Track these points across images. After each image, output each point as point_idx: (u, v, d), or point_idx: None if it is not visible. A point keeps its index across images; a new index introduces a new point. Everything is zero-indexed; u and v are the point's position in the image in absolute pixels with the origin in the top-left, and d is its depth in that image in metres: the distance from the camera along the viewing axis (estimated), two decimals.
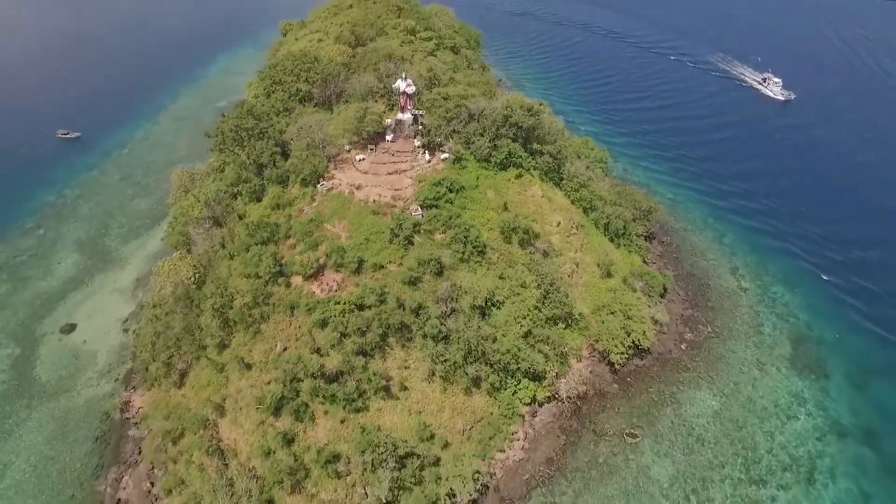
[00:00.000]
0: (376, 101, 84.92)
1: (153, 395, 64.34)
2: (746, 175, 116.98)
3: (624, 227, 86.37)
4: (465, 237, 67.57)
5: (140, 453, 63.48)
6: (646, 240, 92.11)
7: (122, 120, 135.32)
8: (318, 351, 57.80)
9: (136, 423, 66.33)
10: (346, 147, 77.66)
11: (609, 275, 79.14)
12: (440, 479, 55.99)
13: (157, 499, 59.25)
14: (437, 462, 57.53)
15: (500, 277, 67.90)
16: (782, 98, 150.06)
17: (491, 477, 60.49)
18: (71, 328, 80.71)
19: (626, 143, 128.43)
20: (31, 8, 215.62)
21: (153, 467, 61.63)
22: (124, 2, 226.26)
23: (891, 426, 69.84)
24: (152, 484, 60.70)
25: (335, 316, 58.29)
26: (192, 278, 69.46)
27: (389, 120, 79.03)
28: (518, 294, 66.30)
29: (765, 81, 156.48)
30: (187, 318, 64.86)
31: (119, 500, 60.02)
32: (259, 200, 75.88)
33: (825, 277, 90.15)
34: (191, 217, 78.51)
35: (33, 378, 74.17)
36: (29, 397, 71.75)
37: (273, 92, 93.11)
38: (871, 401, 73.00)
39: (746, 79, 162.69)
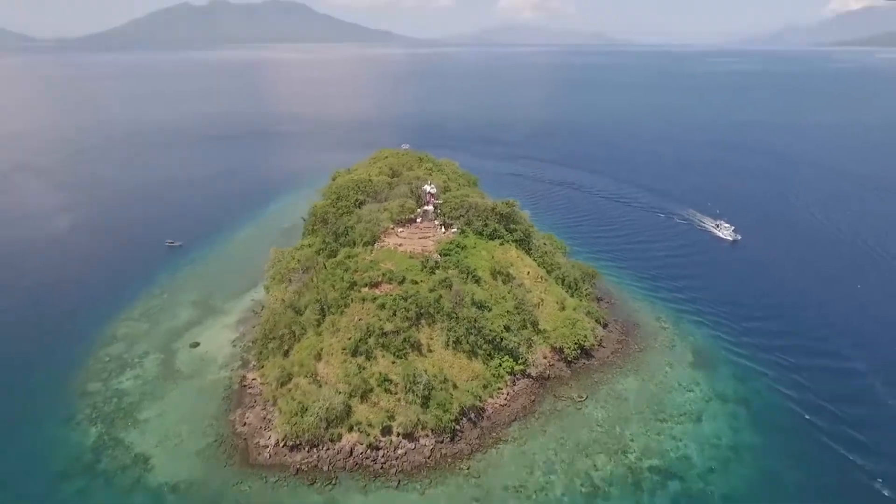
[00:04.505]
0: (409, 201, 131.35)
1: (267, 364, 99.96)
2: (683, 284, 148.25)
3: (576, 284, 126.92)
4: (467, 270, 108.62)
5: (257, 401, 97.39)
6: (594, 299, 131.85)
7: (214, 235, 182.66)
8: (379, 320, 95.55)
9: (250, 388, 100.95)
10: (391, 226, 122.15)
11: (563, 308, 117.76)
12: (452, 403, 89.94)
13: (270, 422, 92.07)
14: (451, 395, 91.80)
15: (489, 295, 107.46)
16: (731, 238, 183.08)
17: (484, 410, 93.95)
18: (196, 344, 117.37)
19: (588, 252, 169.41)
20: (146, 163, 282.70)
21: (266, 406, 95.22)
22: (210, 158, 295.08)
23: (759, 398, 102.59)
24: (266, 414, 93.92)
25: (389, 302, 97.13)
26: (293, 297, 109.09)
27: (419, 210, 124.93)
28: (499, 303, 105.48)
29: (718, 227, 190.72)
30: (293, 316, 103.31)
31: (245, 423, 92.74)
32: (335, 257, 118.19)
33: (723, 336, 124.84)
34: (287, 269, 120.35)
35: (175, 369, 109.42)
36: (174, 379, 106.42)
37: (338, 202, 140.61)
38: (747, 387, 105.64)
39: (704, 224, 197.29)
